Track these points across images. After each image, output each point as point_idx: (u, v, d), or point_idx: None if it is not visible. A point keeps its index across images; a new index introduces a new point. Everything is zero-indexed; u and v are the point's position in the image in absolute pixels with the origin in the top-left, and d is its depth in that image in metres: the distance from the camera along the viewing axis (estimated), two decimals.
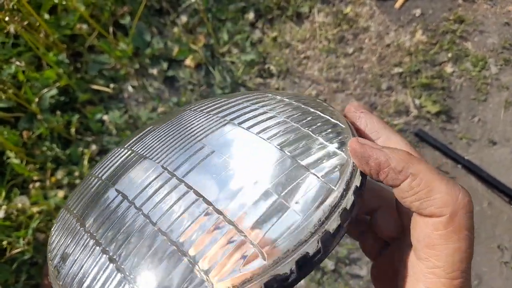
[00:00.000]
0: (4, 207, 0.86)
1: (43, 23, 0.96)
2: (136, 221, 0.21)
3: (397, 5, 1.12)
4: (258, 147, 0.23)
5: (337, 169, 0.22)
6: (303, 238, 0.19)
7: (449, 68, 1.07)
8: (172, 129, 0.26)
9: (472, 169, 0.98)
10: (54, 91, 0.98)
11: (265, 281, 0.19)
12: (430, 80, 1.05)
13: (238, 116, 0.25)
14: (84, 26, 1.02)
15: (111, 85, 1.02)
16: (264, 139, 0.23)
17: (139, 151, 0.26)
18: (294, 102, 0.27)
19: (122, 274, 0.20)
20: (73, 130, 0.96)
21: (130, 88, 1.05)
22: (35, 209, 0.88)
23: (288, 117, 0.25)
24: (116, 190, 0.24)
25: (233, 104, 0.27)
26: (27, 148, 0.95)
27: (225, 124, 0.25)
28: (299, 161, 0.22)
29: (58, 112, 0.97)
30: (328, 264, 0.93)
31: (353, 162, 0.23)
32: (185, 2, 1.10)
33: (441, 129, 1.03)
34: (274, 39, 1.10)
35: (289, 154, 0.22)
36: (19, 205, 0.87)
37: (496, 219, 0.96)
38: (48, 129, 0.95)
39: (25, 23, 0.92)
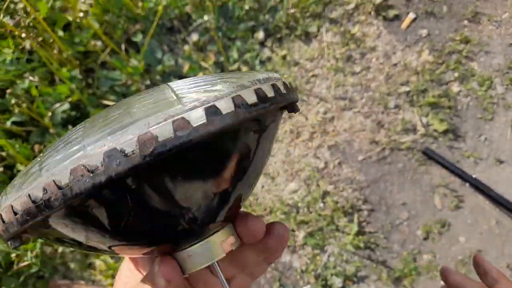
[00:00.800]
0: None
1: (57, 40, 0.98)
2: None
3: (404, 25, 1.14)
4: (156, 91, 0.23)
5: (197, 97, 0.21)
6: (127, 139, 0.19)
7: (455, 88, 1.08)
8: None
9: (479, 187, 0.99)
10: (66, 106, 0.99)
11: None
12: (437, 99, 1.06)
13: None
14: (98, 43, 1.04)
15: None
16: (168, 84, 0.24)
17: None
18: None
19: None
20: None
21: None
22: None
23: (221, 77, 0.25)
24: None
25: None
26: None
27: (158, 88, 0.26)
28: (172, 86, 0.22)
29: (70, 127, 0.98)
30: (336, 281, 0.92)
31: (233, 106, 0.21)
32: (196, 21, 1.13)
33: (448, 148, 1.04)
34: (283, 57, 1.12)
35: (171, 86, 0.22)
36: None
37: (504, 237, 0.96)
38: None
39: (40, 39, 0.95)
